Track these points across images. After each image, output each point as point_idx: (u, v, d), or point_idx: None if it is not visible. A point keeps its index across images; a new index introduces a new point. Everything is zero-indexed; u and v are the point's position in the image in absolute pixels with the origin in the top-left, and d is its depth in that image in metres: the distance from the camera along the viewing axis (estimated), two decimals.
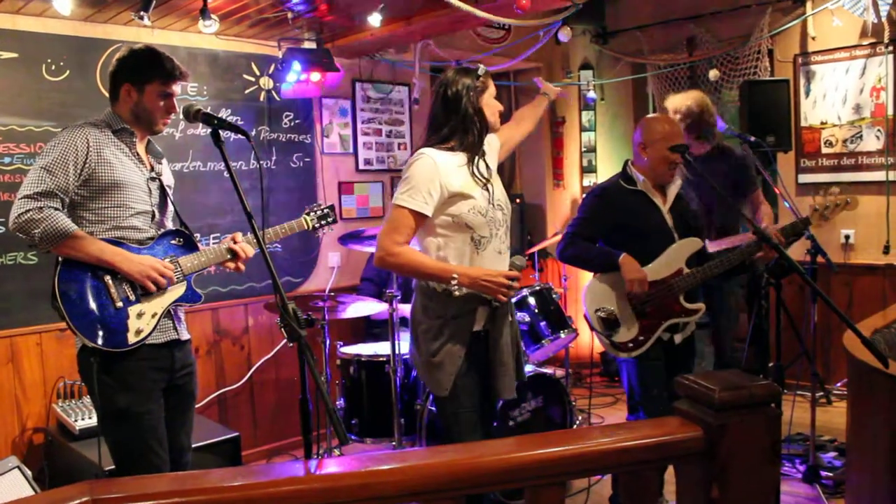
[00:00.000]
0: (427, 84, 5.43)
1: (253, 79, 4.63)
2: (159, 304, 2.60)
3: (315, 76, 4.54)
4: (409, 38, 4.76)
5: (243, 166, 4.56)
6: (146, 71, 2.63)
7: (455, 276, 2.53)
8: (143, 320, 2.54)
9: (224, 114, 4.46)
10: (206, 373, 4.47)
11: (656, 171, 3.27)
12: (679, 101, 4.05)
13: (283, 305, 1.93)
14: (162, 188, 2.75)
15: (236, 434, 3.70)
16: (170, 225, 2.78)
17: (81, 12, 3.81)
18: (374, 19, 4.05)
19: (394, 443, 3.85)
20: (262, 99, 4.68)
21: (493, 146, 2.87)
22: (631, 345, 3.26)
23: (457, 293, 2.55)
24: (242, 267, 2.85)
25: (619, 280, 3.22)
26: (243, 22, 4.22)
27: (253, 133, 4.61)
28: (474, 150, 2.65)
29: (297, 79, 4.52)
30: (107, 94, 3.95)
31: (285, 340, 1.98)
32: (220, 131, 2.27)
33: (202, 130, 4.36)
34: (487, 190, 2.66)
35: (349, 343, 4.40)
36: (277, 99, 4.73)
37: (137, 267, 2.51)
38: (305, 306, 3.98)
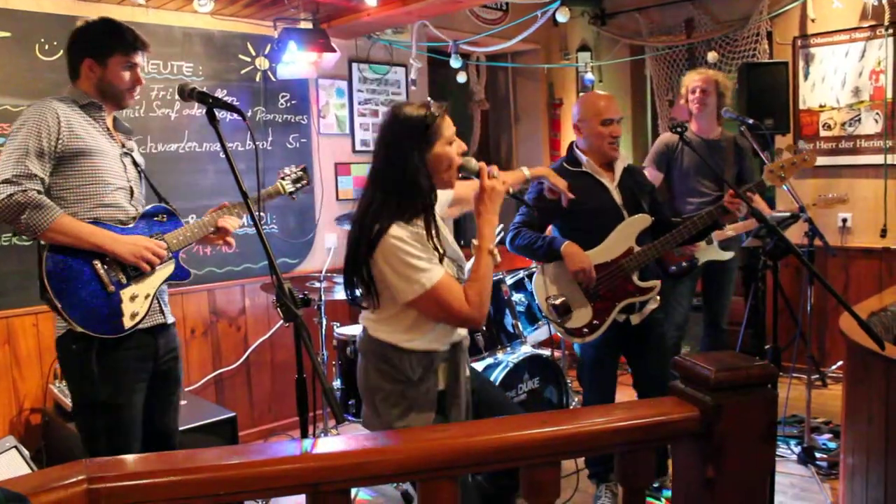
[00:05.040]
0: (424, 65, 5.40)
1: (249, 59, 4.60)
2: (151, 284, 2.54)
3: (311, 56, 4.51)
4: (406, 18, 4.72)
5: (239, 147, 4.53)
6: (107, 43, 2.51)
7: (492, 248, 2.24)
8: (136, 303, 2.48)
9: (220, 94, 4.42)
10: (202, 353, 4.47)
11: (595, 148, 3.22)
12: (704, 73, 4.11)
13: (279, 285, 1.92)
14: (135, 164, 2.65)
15: (233, 414, 3.71)
16: (145, 203, 2.68)
17: None
18: (371, 0, 4.03)
19: None
20: (258, 79, 4.64)
21: (442, 200, 2.42)
22: (585, 330, 3.20)
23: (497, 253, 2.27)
24: (231, 241, 2.79)
25: None
26: (238, 1, 4.18)
27: (249, 114, 4.58)
28: (428, 220, 2.24)
29: (293, 59, 4.49)
30: None
31: (281, 321, 1.97)
32: (216, 111, 2.20)
33: (198, 110, 4.33)
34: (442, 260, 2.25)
35: (346, 324, 4.41)
36: (273, 79, 4.70)
37: (129, 248, 2.44)
38: (302, 287, 3.97)
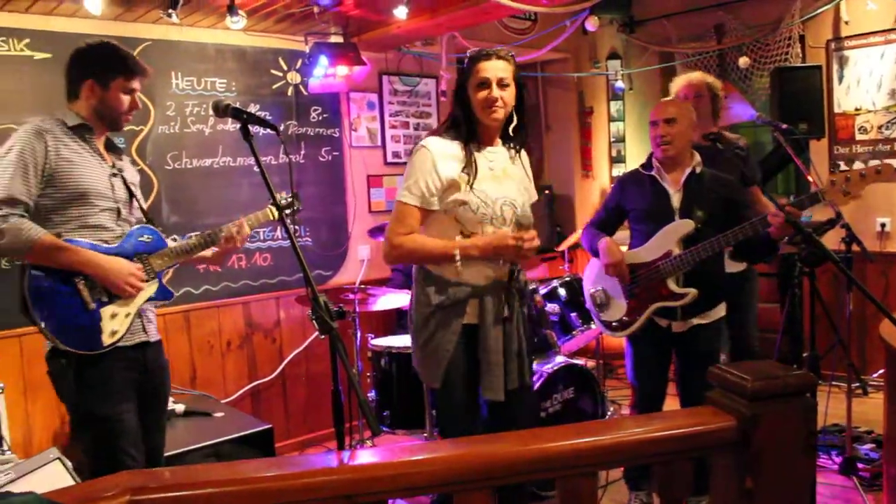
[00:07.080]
0: (454, 76, 5.41)
1: (280, 74, 4.66)
2: (132, 304, 2.56)
3: (342, 70, 4.56)
4: (436, 30, 4.75)
5: (272, 161, 4.58)
6: (110, 66, 2.55)
7: (456, 253, 2.46)
8: (116, 321, 2.50)
9: (253, 109, 4.49)
10: (238, 366, 4.52)
11: (654, 151, 3.27)
12: (692, 76, 3.97)
13: (315, 298, 1.94)
14: (126, 184, 2.66)
15: (269, 426, 3.74)
16: (135, 222, 2.68)
17: (111, 11, 3.85)
18: (400, 12, 4.05)
19: (425, 434, 3.87)
20: (289, 94, 4.70)
21: (524, 156, 2.79)
22: (615, 324, 3.33)
23: (461, 268, 2.47)
24: (222, 257, 2.83)
25: None
26: (270, 17, 4.25)
27: (281, 128, 4.64)
28: (464, 141, 2.58)
29: (324, 73, 4.54)
30: None
31: (317, 333, 1.98)
32: (250, 126, 2.25)
33: (231, 126, 4.39)
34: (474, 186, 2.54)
35: (380, 335, 4.42)
36: (305, 93, 4.75)
37: (113, 278, 2.46)
38: (336, 299, 4.00)
